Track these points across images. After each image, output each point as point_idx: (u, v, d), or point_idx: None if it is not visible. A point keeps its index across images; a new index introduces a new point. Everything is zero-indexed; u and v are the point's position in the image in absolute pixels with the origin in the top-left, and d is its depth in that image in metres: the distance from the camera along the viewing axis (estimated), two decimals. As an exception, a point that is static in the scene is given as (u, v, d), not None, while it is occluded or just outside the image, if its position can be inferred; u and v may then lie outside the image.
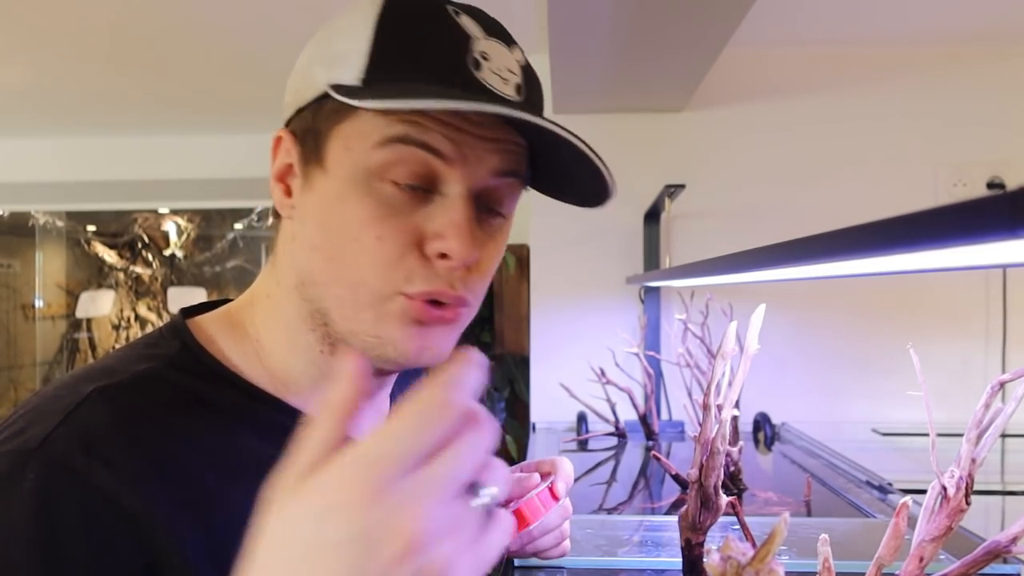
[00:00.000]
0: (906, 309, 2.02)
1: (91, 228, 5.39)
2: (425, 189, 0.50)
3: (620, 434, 1.73)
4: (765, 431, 1.75)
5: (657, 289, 2.00)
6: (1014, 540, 0.55)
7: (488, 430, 0.32)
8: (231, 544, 0.47)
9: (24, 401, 0.50)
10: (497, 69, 0.52)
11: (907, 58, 2.04)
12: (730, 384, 0.63)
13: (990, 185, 2.00)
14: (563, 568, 0.91)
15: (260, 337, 0.57)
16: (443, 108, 0.46)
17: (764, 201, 2.05)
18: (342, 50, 0.51)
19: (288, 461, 0.34)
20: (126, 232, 5.38)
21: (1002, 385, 0.55)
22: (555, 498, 0.70)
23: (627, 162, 2.07)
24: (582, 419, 1.82)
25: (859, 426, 1.93)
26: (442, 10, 0.51)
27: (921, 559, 0.59)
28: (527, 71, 0.56)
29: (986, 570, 0.60)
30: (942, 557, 0.86)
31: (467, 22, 0.52)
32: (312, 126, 0.52)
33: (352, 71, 0.49)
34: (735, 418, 0.80)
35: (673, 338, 1.52)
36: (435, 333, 0.53)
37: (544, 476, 0.73)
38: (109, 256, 5.38)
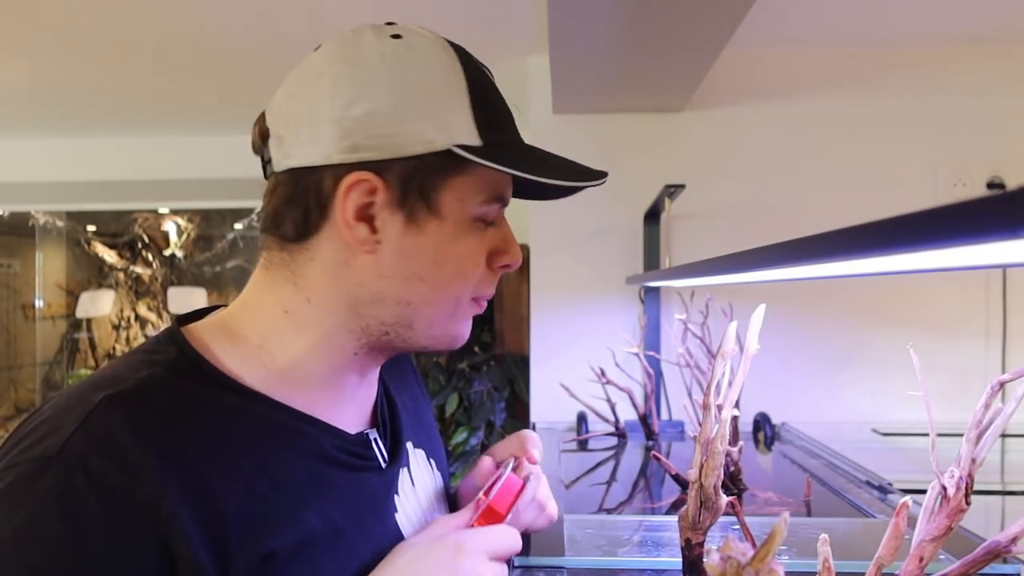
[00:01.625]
0: (906, 309, 2.02)
1: (91, 228, 5.40)
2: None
3: (620, 434, 1.73)
4: (765, 431, 1.75)
5: (657, 289, 2.00)
6: (1014, 540, 0.55)
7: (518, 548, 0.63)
8: (239, 535, 0.51)
9: (37, 411, 0.54)
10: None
11: (907, 58, 2.04)
12: (730, 384, 0.63)
13: (990, 185, 2.00)
14: (563, 568, 0.91)
15: (267, 345, 0.61)
16: (556, 184, 0.60)
17: (764, 201, 2.05)
18: (446, 107, 0.58)
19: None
20: (126, 232, 5.38)
21: (1002, 385, 0.55)
22: (520, 480, 0.71)
23: (627, 162, 2.07)
24: (582, 419, 1.82)
25: (859, 426, 1.93)
26: (483, 68, 0.63)
27: (921, 559, 0.59)
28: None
29: (986, 570, 0.60)
30: (942, 557, 0.86)
31: (488, 73, 0.63)
32: (420, 176, 0.58)
33: (466, 132, 0.58)
34: (735, 418, 0.80)
35: (673, 338, 1.52)
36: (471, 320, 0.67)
37: (509, 461, 0.76)
38: (109, 256, 5.38)
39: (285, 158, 0.59)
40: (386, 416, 0.72)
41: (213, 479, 0.51)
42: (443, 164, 0.58)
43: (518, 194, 0.69)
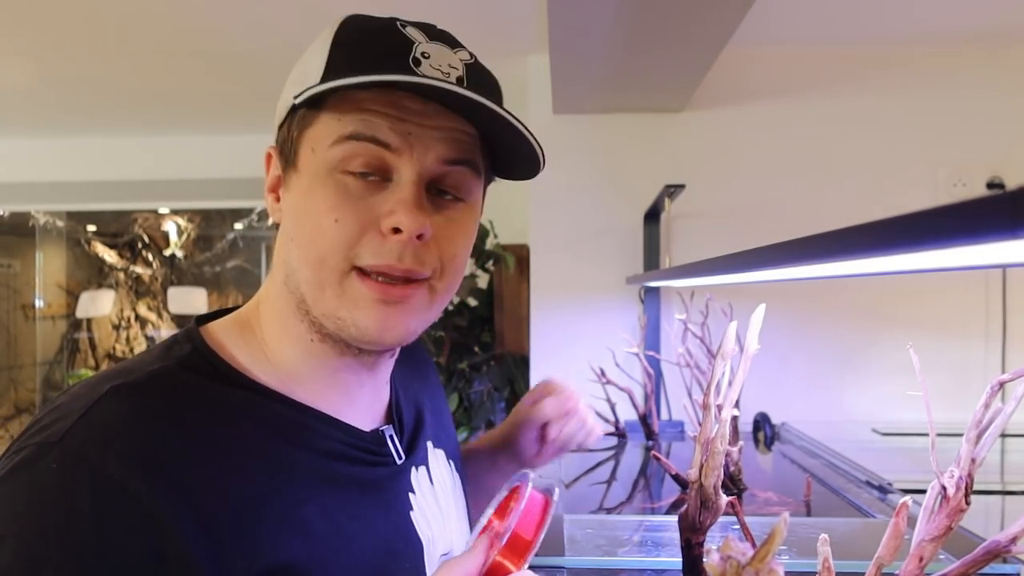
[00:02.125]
0: (906, 309, 2.02)
1: (91, 228, 5.40)
2: (381, 179, 0.57)
3: (620, 434, 1.73)
4: (765, 431, 1.75)
5: (657, 289, 2.00)
6: (1014, 540, 0.55)
7: None
8: (232, 530, 0.51)
9: (55, 398, 0.56)
10: (438, 65, 0.57)
11: (907, 58, 2.04)
12: (730, 384, 0.63)
13: (990, 185, 2.00)
14: (563, 568, 0.91)
15: (265, 336, 0.62)
16: (372, 81, 0.53)
17: (764, 201, 2.05)
18: (306, 69, 0.59)
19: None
20: (126, 232, 5.38)
21: (1002, 385, 0.55)
22: (543, 496, 0.59)
23: (627, 162, 2.07)
24: (582, 419, 1.82)
25: (859, 426, 1.93)
26: (389, 23, 0.59)
27: (921, 559, 0.59)
28: (473, 67, 0.61)
29: (986, 570, 0.60)
30: (942, 557, 0.86)
31: (412, 31, 0.59)
32: (287, 136, 0.60)
33: (312, 80, 0.57)
34: (735, 418, 0.80)
35: (673, 338, 1.52)
36: (395, 312, 0.58)
37: (524, 474, 0.63)
38: (109, 256, 5.38)
39: None
40: (402, 413, 0.71)
41: (213, 476, 0.51)
42: (299, 119, 0.58)
43: (502, 171, 0.65)
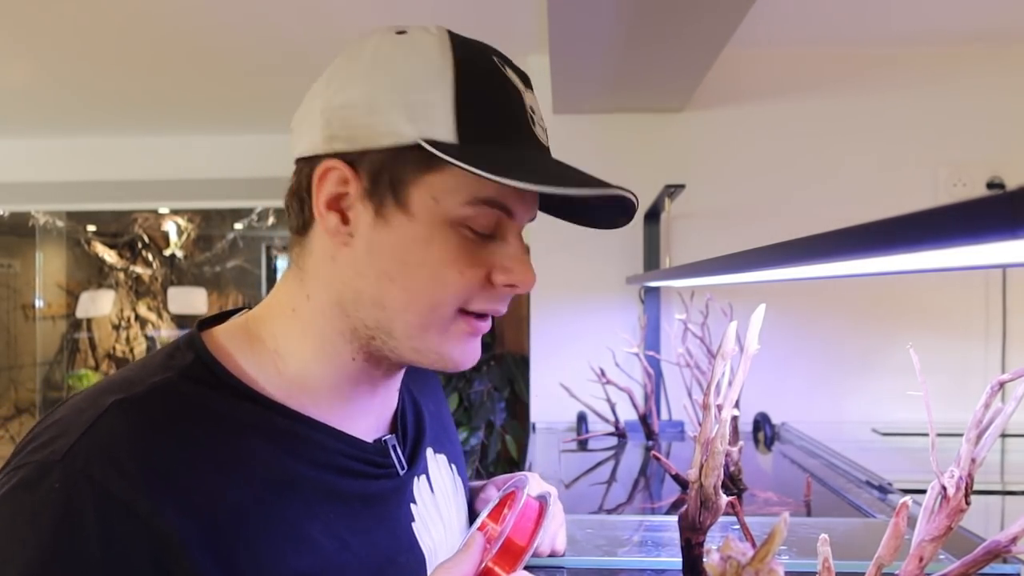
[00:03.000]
0: (906, 309, 2.02)
1: (91, 228, 5.40)
2: (490, 233, 0.59)
3: (620, 434, 1.73)
4: (765, 431, 1.75)
5: (657, 289, 2.00)
6: (1014, 540, 0.55)
7: None
8: (238, 547, 0.50)
9: (52, 410, 0.55)
10: (539, 120, 0.60)
11: (907, 58, 2.04)
12: (730, 384, 0.63)
13: (990, 185, 2.00)
14: (563, 568, 0.91)
15: (279, 348, 0.60)
16: (540, 191, 0.52)
17: (764, 201, 2.05)
18: (424, 102, 0.55)
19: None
20: (126, 232, 5.38)
21: (1002, 385, 0.55)
22: (538, 503, 0.62)
23: (627, 162, 2.07)
24: (582, 419, 1.82)
25: (859, 426, 1.93)
26: (497, 66, 0.58)
27: (921, 559, 0.59)
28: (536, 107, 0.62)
29: (986, 570, 0.60)
30: (942, 557, 0.86)
31: (512, 75, 0.59)
32: (390, 169, 0.56)
33: (442, 128, 0.54)
34: (735, 418, 0.80)
35: (673, 338, 1.52)
36: (476, 342, 0.62)
37: (520, 478, 0.69)
38: (109, 256, 5.38)
39: (293, 149, 0.61)
40: (407, 421, 0.71)
41: (218, 492, 0.51)
42: (416, 159, 0.55)
43: (557, 212, 0.65)
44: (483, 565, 0.56)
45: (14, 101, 2.72)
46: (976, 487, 0.58)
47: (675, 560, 0.86)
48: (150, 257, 5.41)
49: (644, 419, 1.71)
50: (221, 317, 0.65)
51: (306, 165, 0.59)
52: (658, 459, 1.07)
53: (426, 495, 0.68)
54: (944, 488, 0.57)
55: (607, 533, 1.02)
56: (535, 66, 2.13)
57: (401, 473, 0.65)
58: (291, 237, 0.62)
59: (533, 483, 0.74)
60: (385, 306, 0.57)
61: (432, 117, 0.54)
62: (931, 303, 2.02)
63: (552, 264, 2.09)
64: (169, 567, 0.47)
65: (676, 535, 0.69)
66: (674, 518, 0.85)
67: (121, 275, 5.39)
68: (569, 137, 2.04)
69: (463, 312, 0.59)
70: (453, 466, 0.76)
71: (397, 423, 0.69)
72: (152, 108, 2.83)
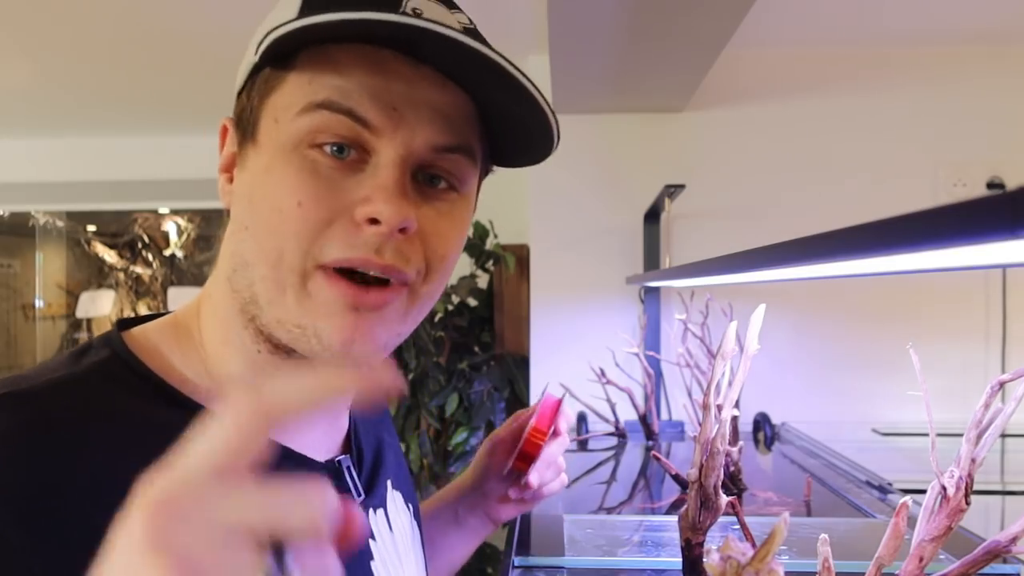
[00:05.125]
0: (906, 309, 2.02)
1: (91, 228, 5.40)
2: (358, 158, 0.47)
3: (620, 434, 1.73)
4: (765, 431, 1.75)
5: (657, 289, 2.00)
6: (1014, 540, 0.55)
7: (325, 498, 0.27)
8: None
9: None
10: (433, 18, 0.47)
11: (907, 58, 2.04)
12: (730, 384, 0.63)
13: (990, 185, 2.00)
14: (563, 568, 0.91)
15: (204, 342, 0.51)
16: (351, 19, 0.42)
17: (764, 201, 2.05)
18: (273, 19, 0.49)
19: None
20: (126, 232, 5.38)
21: (1002, 385, 0.55)
22: (557, 397, 0.76)
23: (627, 162, 2.07)
24: (582, 419, 1.82)
25: (859, 426, 1.93)
26: None
27: (921, 559, 0.59)
28: (473, 33, 0.50)
29: (986, 570, 0.60)
30: (942, 557, 0.86)
31: None
32: (247, 105, 0.50)
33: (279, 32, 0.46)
34: (735, 418, 0.80)
35: (673, 338, 1.52)
36: (367, 322, 0.47)
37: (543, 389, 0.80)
38: (109, 256, 5.38)
39: None
40: (361, 445, 0.62)
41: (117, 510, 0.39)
42: (261, 82, 0.48)
43: (501, 156, 0.55)
44: (516, 452, 0.72)
45: (14, 101, 2.72)
46: (976, 487, 0.58)
47: (675, 560, 0.86)
48: (150, 257, 5.42)
49: (644, 419, 1.71)
50: (151, 319, 0.56)
51: None
52: (658, 459, 1.07)
53: (385, 532, 0.59)
54: (944, 488, 0.57)
55: (607, 533, 1.02)
56: (535, 66, 2.13)
57: (358, 500, 0.56)
58: None
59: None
60: (246, 263, 0.48)
61: (276, 23, 0.46)
62: (931, 303, 2.02)
63: (552, 264, 2.09)
64: None
65: (676, 535, 0.69)
66: (674, 518, 0.85)
67: (121, 275, 5.39)
68: (569, 137, 2.04)
69: (327, 272, 0.46)
70: (409, 506, 0.67)
71: (351, 445, 0.60)
72: (152, 108, 2.83)
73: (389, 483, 0.63)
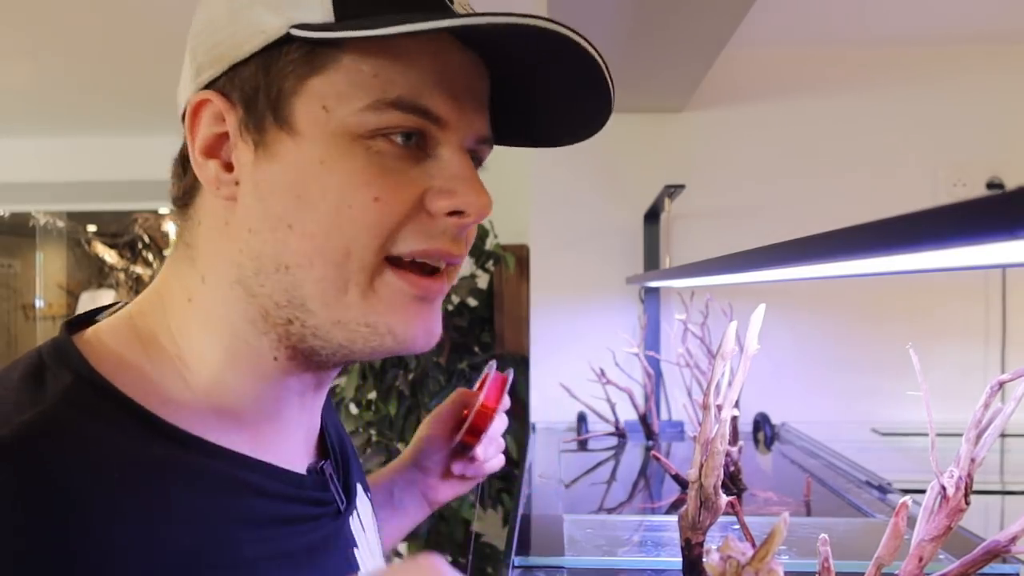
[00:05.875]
0: (906, 309, 2.02)
1: (91, 228, 5.40)
2: (419, 147, 0.45)
3: (620, 434, 1.73)
4: (765, 431, 1.75)
5: (657, 289, 2.00)
6: (1013, 540, 0.55)
7: None
8: None
9: None
10: (465, 7, 0.46)
11: (907, 58, 2.04)
12: (730, 384, 0.63)
13: (990, 185, 2.00)
14: (563, 568, 0.91)
15: (183, 352, 0.46)
16: (453, 26, 0.39)
17: (764, 201, 2.05)
18: None
19: None
20: (126, 232, 5.38)
21: (1001, 385, 0.55)
22: (504, 375, 0.79)
23: (627, 162, 2.07)
24: (582, 419, 1.82)
25: (859, 426, 1.93)
26: None
27: (920, 559, 0.59)
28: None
29: (986, 570, 0.60)
30: (942, 557, 0.86)
31: None
32: (265, 82, 0.43)
33: (319, 7, 0.41)
34: (735, 418, 0.80)
35: (673, 338, 1.52)
36: (432, 311, 0.47)
37: (488, 365, 0.82)
38: (109, 256, 5.38)
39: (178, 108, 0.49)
40: (334, 444, 0.58)
41: (133, 564, 0.37)
42: (293, 60, 0.42)
43: (516, 134, 0.53)
44: (465, 425, 0.74)
45: (14, 101, 2.72)
46: (976, 487, 0.58)
47: (675, 560, 0.86)
48: (150, 257, 5.41)
49: (644, 419, 1.71)
50: (92, 316, 0.50)
51: (183, 124, 0.47)
52: (658, 459, 1.07)
53: (361, 534, 0.56)
54: (943, 488, 0.57)
55: (607, 533, 1.02)
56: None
57: (342, 509, 0.53)
58: (175, 212, 0.50)
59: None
60: (288, 265, 0.43)
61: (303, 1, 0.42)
62: (931, 303, 2.02)
63: (552, 264, 2.09)
64: None
65: (676, 535, 0.69)
66: (674, 518, 0.85)
67: (121, 275, 5.39)
68: (569, 137, 2.04)
69: (393, 263, 0.44)
70: (367, 492, 0.64)
71: (328, 447, 0.57)
72: (152, 108, 2.83)
73: (359, 487, 0.61)
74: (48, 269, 5.30)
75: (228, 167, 0.45)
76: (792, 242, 0.54)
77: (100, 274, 5.44)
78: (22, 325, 5.27)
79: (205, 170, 0.45)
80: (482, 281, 2.72)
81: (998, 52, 2.02)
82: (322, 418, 0.57)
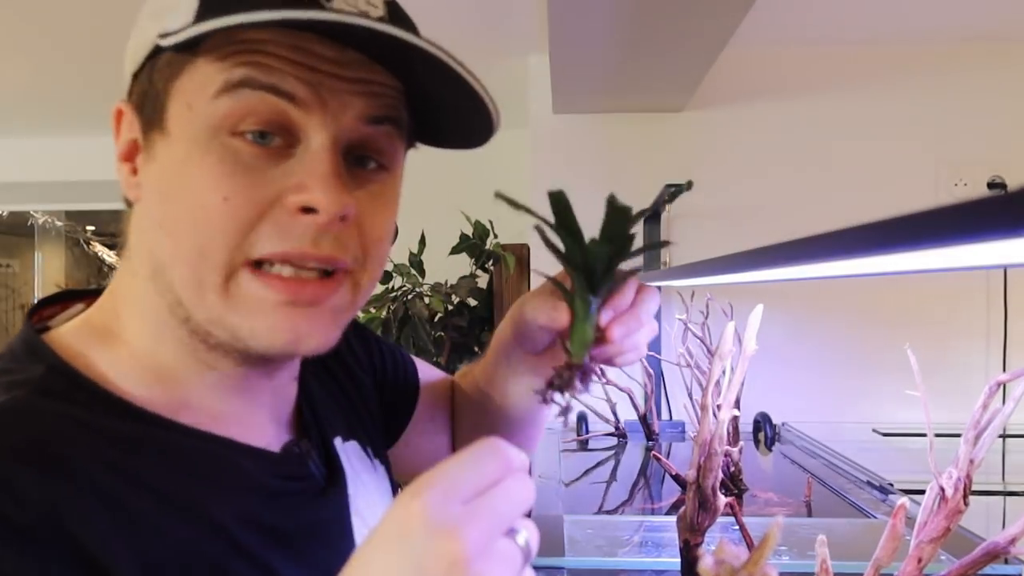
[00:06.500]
0: (906, 309, 2.02)
1: (90, 228, 5.39)
2: (284, 144, 0.44)
3: (620, 434, 1.73)
4: (765, 431, 1.75)
5: (657, 289, 2.00)
6: (1012, 541, 0.55)
7: (531, 487, 0.36)
8: None
9: None
10: (352, 1, 0.44)
11: (907, 58, 2.04)
12: (728, 384, 0.63)
13: (990, 185, 2.00)
14: (563, 568, 0.90)
15: (134, 344, 0.47)
16: (286, 19, 0.39)
17: (764, 201, 2.04)
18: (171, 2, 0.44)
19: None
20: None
21: (1000, 385, 0.55)
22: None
23: (627, 162, 2.07)
24: (582, 419, 1.82)
25: (859, 426, 1.93)
26: None
27: (919, 560, 0.59)
28: (394, 8, 0.48)
29: (987, 570, 0.60)
30: (943, 558, 0.86)
31: None
32: (149, 88, 0.45)
33: (183, 15, 0.42)
34: (735, 418, 0.80)
35: (673, 338, 1.52)
36: (310, 317, 0.45)
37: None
38: (108, 256, 5.37)
39: None
40: (311, 420, 0.57)
41: (106, 528, 0.39)
42: (165, 64, 0.44)
43: (430, 136, 0.52)
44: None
45: (13, 100, 2.72)
46: (977, 488, 0.57)
47: (675, 560, 0.86)
48: (150, 257, 5.41)
49: (644, 419, 1.70)
50: (46, 305, 0.53)
51: None
52: (658, 459, 1.07)
53: (359, 501, 0.56)
54: (942, 489, 0.57)
55: (607, 533, 1.02)
56: (535, 66, 2.13)
57: (323, 483, 0.54)
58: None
59: None
60: (164, 265, 0.44)
61: (176, 9, 0.43)
62: (932, 303, 2.02)
63: (552, 264, 2.09)
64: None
65: (676, 535, 0.69)
66: (674, 518, 0.84)
67: (121, 275, 5.39)
68: (569, 137, 2.04)
69: (255, 268, 0.44)
70: (368, 450, 0.62)
71: (302, 423, 0.56)
72: (152, 108, 2.83)
73: (338, 440, 0.58)
74: (47, 269, 5.30)
75: (135, 171, 0.47)
76: (792, 242, 0.54)
77: (99, 274, 5.44)
78: (21, 325, 5.26)
79: (120, 174, 0.47)
80: (482, 281, 2.72)
81: (999, 51, 2.01)
82: (302, 395, 0.57)
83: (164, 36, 0.42)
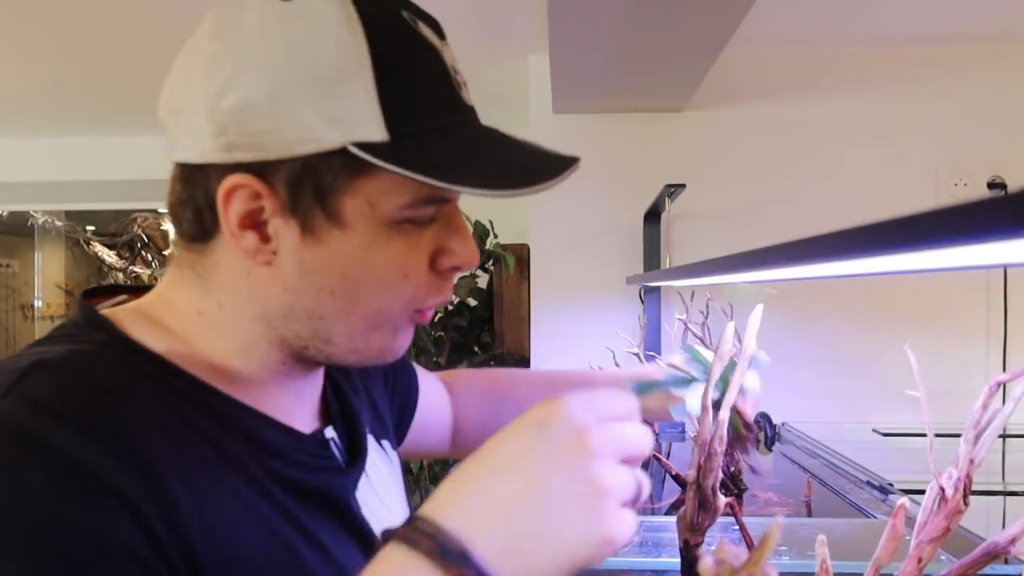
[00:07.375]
0: (907, 309, 2.02)
1: (90, 228, 5.39)
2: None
3: (620, 434, 1.73)
4: (765, 431, 1.75)
5: (657, 289, 2.00)
6: (1012, 541, 0.55)
7: (651, 437, 0.42)
8: (192, 520, 0.44)
9: None
10: (460, 77, 0.53)
11: (907, 58, 2.04)
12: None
13: (991, 185, 2.00)
14: (562, 569, 0.90)
15: (192, 343, 0.53)
16: (514, 195, 0.47)
17: (764, 201, 2.04)
18: (340, 94, 0.47)
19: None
20: (125, 232, 5.38)
21: (1000, 385, 0.55)
22: None
23: (627, 162, 2.07)
24: (582, 419, 1.82)
25: (859, 426, 1.93)
26: (410, 26, 0.50)
27: (919, 560, 0.59)
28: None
29: (987, 570, 0.60)
30: (943, 558, 0.86)
31: (426, 32, 0.51)
32: (313, 179, 0.48)
33: (369, 125, 0.47)
34: (747, 423, 0.79)
35: (673, 338, 1.52)
36: (411, 330, 0.56)
37: None
38: (108, 256, 5.38)
39: (172, 150, 0.53)
40: (336, 409, 0.63)
41: (166, 457, 0.44)
42: (343, 164, 0.47)
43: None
44: None
45: (14, 101, 2.72)
46: (978, 488, 0.57)
47: (675, 560, 0.86)
48: (149, 257, 5.41)
49: (644, 419, 1.70)
50: (97, 293, 0.58)
51: (197, 173, 0.51)
52: (658, 459, 1.07)
53: (363, 482, 0.60)
54: (942, 489, 0.57)
55: (606, 534, 1.02)
56: (535, 66, 2.13)
57: (344, 467, 0.59)
58: (178, 240, 0.55)
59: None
60: (323, 316, 0.52)
61: (354, 111, 0.46)
62: (932, 303, 2.02)
63: (552, 264, 2.09)
64: (126, 533, 0.41)
65: (676, 535, 0.69)
66: (674, 518, 0.84)
67: (120, 275, 5.40)
68: (569, 137, 2.04)
69: (418, 312, 0.55)
70: (383, 442, 0.69)
71: (329, 411, 0.62)
72: (152, 108, 2.82)
73: (371, 437, 0.65)
74: (47, 269, 5.31)
75: (264, 238, 0.50)
76: (792, 242, 0.54)
77: (99, 274, 5.45)
78: (20, 325, 5.27)
79: (243, 240, 0.50)
80: (482, 281, 2.72)
81: (999, 52, 2.02)
82: (328, 388, 0.64)
83: (361, 146, 0.46)
